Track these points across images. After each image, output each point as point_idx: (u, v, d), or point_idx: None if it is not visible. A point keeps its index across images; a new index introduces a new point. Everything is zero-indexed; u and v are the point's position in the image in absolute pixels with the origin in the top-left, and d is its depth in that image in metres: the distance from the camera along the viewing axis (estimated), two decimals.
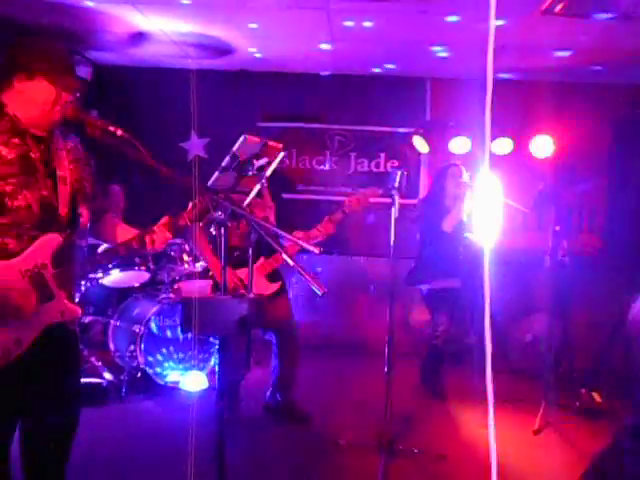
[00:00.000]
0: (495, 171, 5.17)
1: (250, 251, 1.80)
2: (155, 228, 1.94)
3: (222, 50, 5.08)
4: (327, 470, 3.02)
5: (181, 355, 4.21)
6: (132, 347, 4.20)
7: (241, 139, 1.89)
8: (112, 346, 4.36)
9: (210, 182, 1.84)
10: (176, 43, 4.92)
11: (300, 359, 3.63)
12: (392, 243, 3.12)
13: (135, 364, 4.09)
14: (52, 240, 1.81)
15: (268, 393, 3.69)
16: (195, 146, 5.51)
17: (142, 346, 4.01)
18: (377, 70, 5.55)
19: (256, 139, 1.93)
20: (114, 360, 4.32)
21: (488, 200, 4.43)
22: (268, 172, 1.98)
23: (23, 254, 1.77)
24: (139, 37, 4.83)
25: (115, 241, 2.06)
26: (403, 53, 5.01)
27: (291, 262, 1.75)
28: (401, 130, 5.73)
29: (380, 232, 5.70)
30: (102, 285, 4.32)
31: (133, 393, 3.99)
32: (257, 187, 1.95)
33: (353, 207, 3.34)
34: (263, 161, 1.91)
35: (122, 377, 4.01)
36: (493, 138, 5.64)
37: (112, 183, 5.00)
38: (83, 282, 4.28)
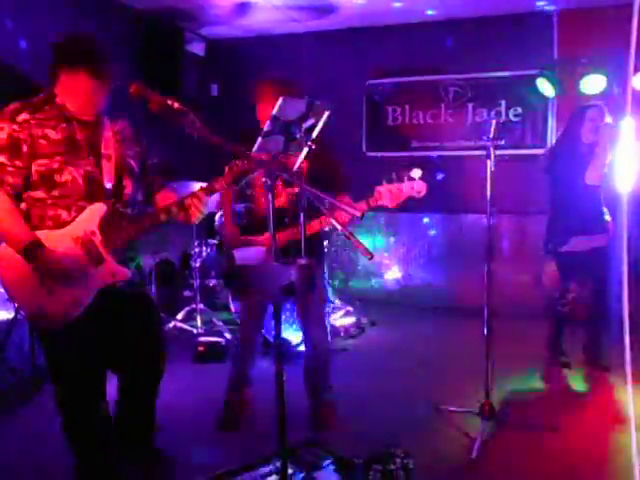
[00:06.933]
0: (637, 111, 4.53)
1: (302, 215, 1.77)
2: (194, 193, 2.04)
3: (324, 8, 4.99)
4: (425, 435, 2.95)
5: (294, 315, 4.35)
6: None
7: (280, 101, 1.84)
8: (233, 307, 4.65)
9: (255, 148, 1.83)
10: (278, 8, 4.94)
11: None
12: (488, 198, 2.89)
13: None
14: (98, 209, 2.02)
15: None
16: None
17: None
18: None
19: (297, 100, 1.87)
20: (235, 320, 4.62)
21: (629, 145, 3.89)
22: (314, 133, 1.92)
23: (73, 223, 1.99)
24: (243, 7, 4.92)
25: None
26: None
27: (340, 227, 1.69)
28: (523, 73, 5.23)
29: (507, 186, 5.34)
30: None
31: None
32: (305, 149, 1.91)
33: (381, 202, 2.61)
34: (310, 122, 1.85)
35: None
36: (635, 72, 4.94)
37: None
38: (204, 249, 4.60)
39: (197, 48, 5.35)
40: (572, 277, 3.79)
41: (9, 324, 3.47)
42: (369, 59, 5.64)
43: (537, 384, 3.65)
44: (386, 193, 2.57)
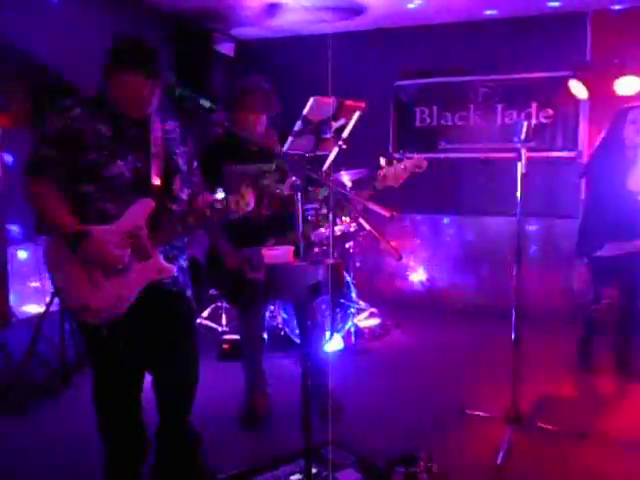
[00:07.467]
0: None
1: (330, 214, 1.77)
2: (240, 190, 2.04)
3: (354, 9, 4.99)
4: (449, 439, 2.93)
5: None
6: (272, 307, 4.47)
7: (310, 101, 1.84)
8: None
9: (285, 147, 1.84)
10: (307, 9, 4.95)
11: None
12: (519, 201, 2.85)
13: (275, 324, 4.34)
14: (146, 204, 2.01)
15: None
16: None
17: (278, 306, 4.23)
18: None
19: (327, 100, 1.87)
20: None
21: None
22: (345, 133, 1.91)
23: (121, 218, 1.99)
24: (273, 8, 4.95)
25: None
26: None
27: (367, 226, 1.69)
28: (555, 74, 5.14)
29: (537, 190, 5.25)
30: None
31: (273, 351, 4.22)
32: (335, 150, 1.91)
33: (388, 181, 2.58)
34: (340, 122, 1.85)
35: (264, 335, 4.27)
36: None
37: None
38: None
39: (226, 49, 5.39)
40: (605, 282, 3.72)
41: (40, 318, 3.54)
42: (397, 60, 5.62)
43: (565, 390, 3.59)
44: (388, 174, 2.56)
